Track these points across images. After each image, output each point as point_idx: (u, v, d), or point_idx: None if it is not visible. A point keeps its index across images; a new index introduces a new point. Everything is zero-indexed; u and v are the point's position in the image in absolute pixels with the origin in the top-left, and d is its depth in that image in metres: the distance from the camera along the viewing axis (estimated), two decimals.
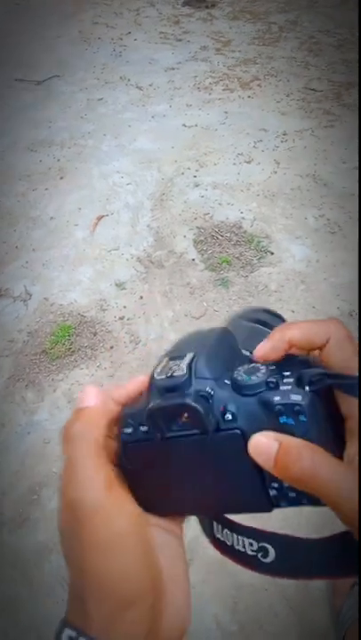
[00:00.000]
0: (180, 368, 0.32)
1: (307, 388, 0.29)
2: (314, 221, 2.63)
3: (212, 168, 3.02)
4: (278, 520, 1.58)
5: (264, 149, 3.14)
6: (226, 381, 0.32)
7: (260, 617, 1.42)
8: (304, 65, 3.96)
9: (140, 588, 0.31)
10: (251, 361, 0.33)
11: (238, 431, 0.30)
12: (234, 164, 3.04)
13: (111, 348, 2.13)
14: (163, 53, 4.30)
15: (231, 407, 0.30)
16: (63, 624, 0.31)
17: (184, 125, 3.40)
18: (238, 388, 0.31)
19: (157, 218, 2.71)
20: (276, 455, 0.28)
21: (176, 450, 0.33)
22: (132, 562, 0.31)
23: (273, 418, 0.29)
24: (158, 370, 0.34)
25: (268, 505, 0.32)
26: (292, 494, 0.31)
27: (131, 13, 5.11)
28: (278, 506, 0.32)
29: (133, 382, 0.38)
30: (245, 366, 0.32)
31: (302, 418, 0.28)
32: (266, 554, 0.36)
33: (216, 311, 2.21)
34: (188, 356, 0.33)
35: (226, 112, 3.50)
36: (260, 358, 0.32)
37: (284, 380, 0.30)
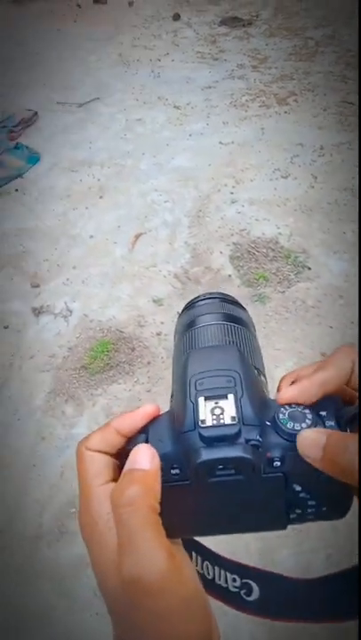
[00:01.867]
0: (228, 414, 0.30)
1: (348, 430, 0.30)
2: (352, 235, 2.60)
3: (249, 184, 3.04)
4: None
5: (301, 164, 3.13)
6: (267, 422, 0.32)
7: (295, 635, 1.40)
8: (341, 79, 3.94)
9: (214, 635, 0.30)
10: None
11: (281, 474, 0.31)
12: (271, 179, 3.05)
13: (148, 363, 2.16)
14: (200, 72, 4.37)
15: (277, 453, 0.31)
16: None
17: (221, 143, 3.43)
18: (283, 433, 0.31)
19: (194, 235, 2.74)
20: (324, 446, 0.28)
21: (211, 490, 0.32)
22: (198, 626, 0.30)
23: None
24: (200, 416, 0.31)
25: (284, 526, 0.33)
26: (311, 517, 0.32)
27: (168, 35, 5.23)
28: (292, 524, 0.33)
29: (141, 414, 0.35)
30: (286, 410, 0.32)
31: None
32: (250, 591, 0.35)
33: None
34: (231, 399, 0.31)
35: (262, 128, 3.52)
36: (288, 402, 0.32)
37: (326, 424, 0.31)
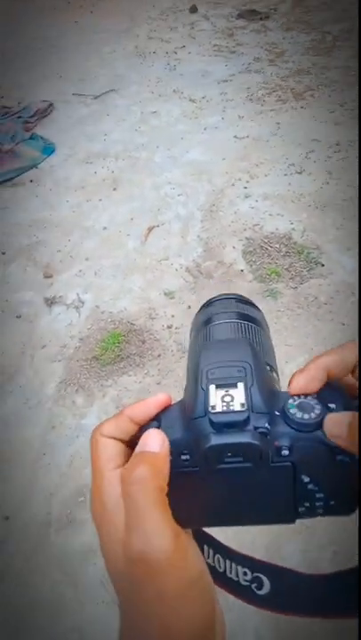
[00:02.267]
0: (237, 401, 0.31)
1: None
2: None
3: (263, 179, 3.03)
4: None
5: (316, 160, 3.11)
6: (276, 412, 0.32)
7: (299, 633, 1.40)
8: (359, 74, 3.90)
9: (207, 629, 0.31)
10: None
11: (290, 464, 0.31)
12: (285, 174, 3.04)
13: (159, 356, 2.16)
14: (216, 66, 4.35)
15: (285, 442, 0.31)
16: None
17: (236, 137, 3.42)
18: (292, 422, 0.31)
19: (207, 229, 2.74)
20: (349, 424, 0.29)
21: (219, 477, 0.32)
22: (201, 608, 0.30)
23: (329, 454, 0.31)
24: (210, 402, 0.32)
25: (293, 519, 0.33)
26: (320, 510, 0.32)
27: (185, 27, 5.20)
28: (301, 518, 0.33)
29: (154, 402, 0.36)
30: (295, 400, 0.32)
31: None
32: (260, 585, 0.35)
33: None
34: (241, 387, 0.32)
35: (278, 123, 3.49)
36: (299, 392, 0.33)
37: None
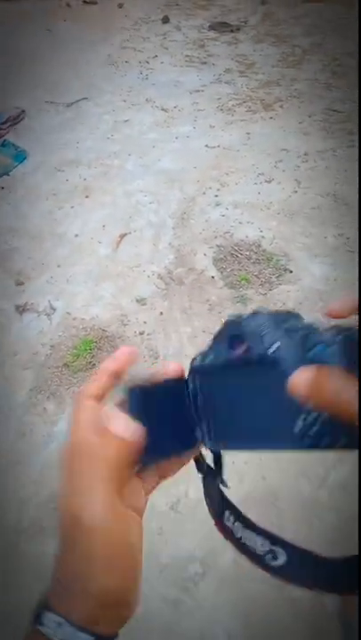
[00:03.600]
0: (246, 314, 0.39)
1: (339, 336, 0.35)
2: (333, 240, 2.66)
3: (234, 187, 3.08)
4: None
5: (285, 169, 3.19)
6: (284, 325, 0.37)
7: (270, 632, 1.43)
8: (327, 87, 4.02)
9: (129, 591, 0.35)
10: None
11: (278, 360, 0.35)
12: (255, 183, 3.10)
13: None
14: (188, 76, 4.42)
15: (276, 342, 0.35)
16: (45, 607, 0.34)
17: (207, 146, 3.48)
18: (288, 330, 0.36)
19: (179, 236, 2.78)
20: (311, 379, 0.31)
21: (231, 377, 0.39)
22: (122, 581, 0.35)
23: (309, 349, 0.34)
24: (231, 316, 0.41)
25: (292, 438, 0.34)
26: (315, 428, 0.33)
27: (158, 37, 5.26)
28: (302, 444, 0.34)
29: (122, 356, 0.46)
30: (300, 322, 0.38)
31: (334, 354, 0.33)
32: (275, 557, 0.38)
33: None
34: (261, 311, 0.39)
35: (248, 133, 3.57)
36: (335, 314, 0.39)
37: (324, 329, 0.36)
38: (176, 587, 1.55)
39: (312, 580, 0.37)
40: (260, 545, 0.39)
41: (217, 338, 0.41)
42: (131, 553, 0.36)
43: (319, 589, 0.37)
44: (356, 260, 2.53)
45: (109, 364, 0.44)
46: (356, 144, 3.32)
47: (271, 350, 0.35)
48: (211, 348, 0.41)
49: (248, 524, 0.40)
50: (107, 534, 0.34)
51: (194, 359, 0.42)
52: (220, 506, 0.42)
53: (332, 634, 1.39)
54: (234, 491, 1.53)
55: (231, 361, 0.39)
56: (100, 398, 0.41)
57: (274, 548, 0.38)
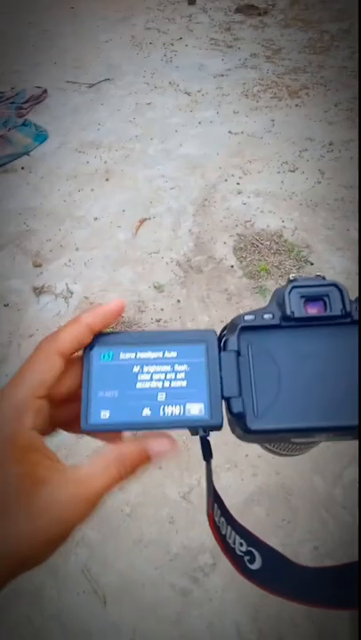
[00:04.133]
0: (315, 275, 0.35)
1: None
2: (356, 233, 2.61)
3: (256, 176, 3.03)
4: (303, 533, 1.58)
5: (309, 159, 3.12)
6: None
7: (280, 627, 1.42)
8: (354, 75, 3.92)
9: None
10: None
11: None
12: (278, 172, 3.04)
13: None
14: (213, 60, 4.33)
15: None
16: None
17: (230, 132, 3.41)
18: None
19: (199, 223, 2.74)
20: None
21: (297, 337, 0.34)
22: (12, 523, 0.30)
23: None
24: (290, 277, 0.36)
25: (353, 417, 0.31)
26: None
27: (183, 19, 5.16)
28: None
29: (111, 310, 0.36)
30: None
31: None
32: (253, 559, 0.36)
33: None
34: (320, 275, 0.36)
35: (272, 120, 3.50)
36: None
37: None
38: (186, 576, 1.55)
39: (283, 586, 0.36)
40: (239, 545, 0.37)
41: (274, 298, 0.35)
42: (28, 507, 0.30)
43: (289, 597, 0.35)
44: None
45: (96, 318, 0.35)
46: None
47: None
48: (266, 307, 0.35)
49: (230, 520, 0.38)
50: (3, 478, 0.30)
51: (237, 317, 0.35)
52: (213, 498, 0.39)
53: (343, 636, 1.38)
54: (247, 484, 1.53)
55: (304, 320, 0.33)
56: (65, 357, 0.34)
57: (251, 549, 0.36)
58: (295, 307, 0.33)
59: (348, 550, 1.49)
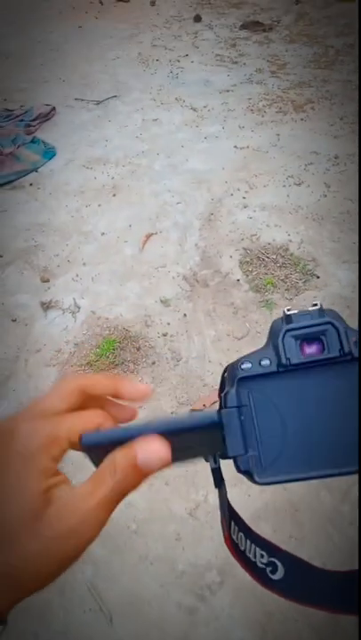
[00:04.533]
0: (311, 308, 0.33)
1: None
2: None
3: (262, 190, 3.05)
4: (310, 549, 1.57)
5: (315, 172, 3.14)
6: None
7: None
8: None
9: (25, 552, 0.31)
10: None
11: None
12: (284, 186, 3.06)
13: (153, 363, 2.17)
14: (218, 76, 4.39)
15: None
16: None
17: (236, 147, 3.44)
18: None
19: (205, 237, 2.76)
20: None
21: (297, 382, 0.33)
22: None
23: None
24: (288, 318, 0.34)
25: (355, 462, 0.31)
26: None
27: (189, 36, 5.24)
28: None
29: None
30: None
31: None
32: (275, 570, 0.36)
33: (258, 333, 2.22)
34: (316, 307, 0.34)
35: (278, 134, 3.52)
36: None
37: None
38: (192, 594, 1.54)
39: (308, 594, 0.35)
40: (260, 557, 0.36)
41: (270, 338, 0.34)
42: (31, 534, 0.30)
43: (316, 605, 0.35)
44: None
45: (120, 382, 0.36)
46: None
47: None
48: (263, 350, 0.34)
49: (249, 533, 0.37)
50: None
51: (235, 366, 0.34)
52: (228, 517, 0.39)
53: None
54: (253, 500, 1.52)
55: (302, 364, 0.33)
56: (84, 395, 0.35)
57: (272, 559, 0.36)
58: (290, 352, 0.33)
59: (356, 566, 1.47)
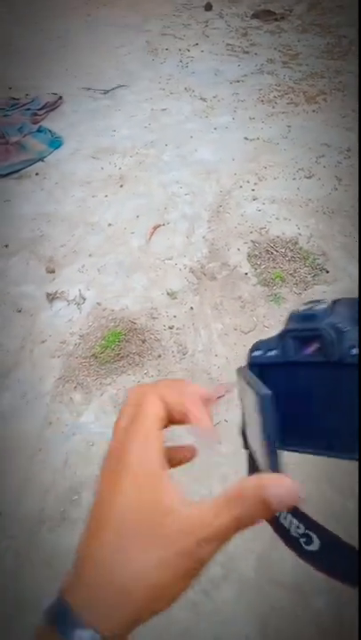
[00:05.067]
0: (323, 304, 0.35)
1: None
2: None
3: (272, 182, 3.00)
4: None
5: (326, 165, 3.09)
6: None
7: (290, 637, 1.39)
8: None
9: (167, 580, 0.30)
10: None
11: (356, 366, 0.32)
12: (294, 178, 3.01)
13: (159, 356, 2.15)
14: (229, 65, 4.32)
15: (356, 347, 0.32)
16: (68, 612, 0.30)
17: (246, 138, 3.39)
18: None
19: (213, 230, 2.72)
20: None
21: (296, 376, 0.36)
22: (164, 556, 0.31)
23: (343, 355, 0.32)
24: (301, 305, 0.36)
25: (355, 449, 0.32)
26: None
27: (199, 25, 5.17)
28: None
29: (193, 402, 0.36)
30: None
31: None
32: (309, 541, 0.36)
33: (266, 327, 2.19)
34: (331, 300, 0.35)
35: (289, 126, 3.47)
36: None
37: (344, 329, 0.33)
38: (196, 588, 1.52)
39: (342, 570, 0.35)
40: (295, 527, 0.36)
41: (286, 329, 0.36)
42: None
43: (349, 582, 0.34)
44: None
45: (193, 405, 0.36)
46: None
47: (352, 353, 0.32)
48: (277, 339, 0.37)
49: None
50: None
51: (253, 349, 0.39)
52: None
53: None
54: None
55: (300, 360, 0.35)
56: (163, 420, 0.35)
57: (308, 532, 0.36)
58: (290, 351, 0.36)
59: None
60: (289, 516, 0.37)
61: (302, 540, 0.36)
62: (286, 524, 0.37)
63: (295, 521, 0.37)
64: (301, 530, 0.36)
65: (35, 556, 1.65)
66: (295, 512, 0.37)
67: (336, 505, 1.64)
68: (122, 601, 0.29)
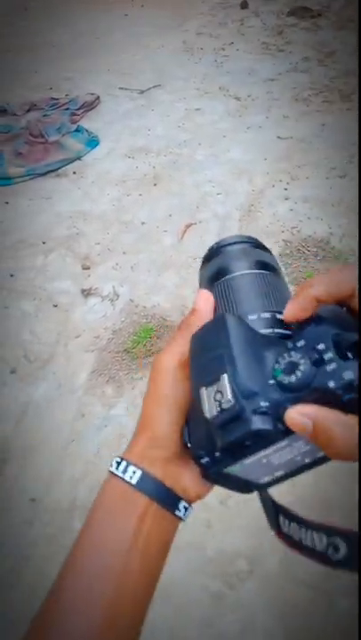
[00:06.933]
0: (225, 397, 0.31)
1: (349, 355, 0.30)
2: None
3: (304, 181, 3.00)
4: None
5: None
6: (270, 382, 0.32)
7: (309, 630, 1.41)
8: None
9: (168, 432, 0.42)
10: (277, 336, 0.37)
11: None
12: (327, 177, 3.01)
13: None
14: (263, 64, 4.32)
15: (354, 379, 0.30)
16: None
17: (279, 137, 3.40)
18: (288, 389, 0.31)
19: (244, 229, 2.75)
20: (313, 425, 0.29)
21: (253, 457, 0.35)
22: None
23: (335, 400, 0.30)
24: (206, 408, 0.33)
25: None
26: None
27: (235, 23, 5.17)
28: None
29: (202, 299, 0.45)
30: (282, 363, 0.32)
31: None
32: (336, 549, 0.35)
33: None
34: (224, 379, 0.32)
35: (323, 124, 3.45)
36: (292, 320, 0.34)
37: (325, 357, 0.30)
38: (220, 581, 1.56)
39: None
40: (318, 541, 0.36)
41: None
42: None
43: None
44: None
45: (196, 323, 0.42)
46: None
47: (346, 398, 0.30)
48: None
49: (301, 521, 0.38)
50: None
51: (198, 455, 0.37)
52: (274, 513, 0.39)
53: None
54: (285, 494, 1.52)
55: (252, 453, 0.35)
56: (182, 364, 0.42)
57: (331, 539, 0.35)
58: (235, 456, 0.36)
59: None
60: (309, 533, 0.37)
61: (329, 552, 0.35)
62: (310, 544, 0.36)
63: (315, 534, 0.36)
64: (325, 541, 0.35)
65: (67, 542, 1.72)
66: (310, 525, 0.37)
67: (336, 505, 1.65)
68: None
